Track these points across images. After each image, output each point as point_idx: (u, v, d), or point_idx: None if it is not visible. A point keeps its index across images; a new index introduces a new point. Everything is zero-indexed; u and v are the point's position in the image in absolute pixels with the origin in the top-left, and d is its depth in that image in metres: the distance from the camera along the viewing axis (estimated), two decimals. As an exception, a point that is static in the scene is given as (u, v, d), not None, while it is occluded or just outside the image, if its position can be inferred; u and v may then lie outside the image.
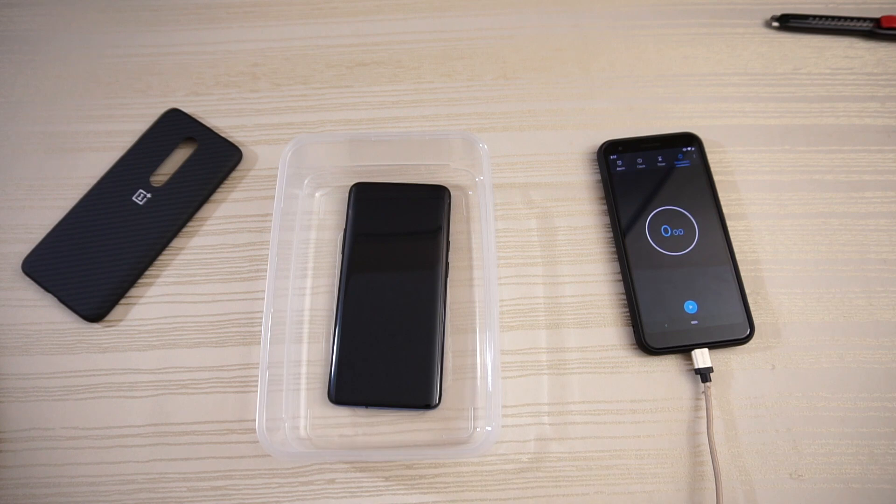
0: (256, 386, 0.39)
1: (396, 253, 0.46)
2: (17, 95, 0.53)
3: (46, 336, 0.45)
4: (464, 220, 0.48)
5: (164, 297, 0.46)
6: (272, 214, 0.43)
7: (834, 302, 0.46)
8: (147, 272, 0.47)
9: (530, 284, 0.46)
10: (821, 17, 0.53)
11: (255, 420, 0.38)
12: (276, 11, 0.56)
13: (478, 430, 0.42)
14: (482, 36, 0.55)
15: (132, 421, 0.43)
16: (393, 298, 0.44)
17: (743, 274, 0.45)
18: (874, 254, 0.47)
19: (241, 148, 0.50)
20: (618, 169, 0.48)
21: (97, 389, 0.44)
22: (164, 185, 0.49)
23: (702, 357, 0.43)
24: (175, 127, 0.51)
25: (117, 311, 0.46)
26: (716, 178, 0.48)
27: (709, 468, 0.41)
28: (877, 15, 0.54)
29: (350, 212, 0.47)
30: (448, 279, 0.46)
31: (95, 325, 0.45)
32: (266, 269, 0.42)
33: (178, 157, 0.50)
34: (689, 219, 0.47)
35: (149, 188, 0.48)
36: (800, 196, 0.49)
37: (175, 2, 0.56)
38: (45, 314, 0.46)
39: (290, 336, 0.44)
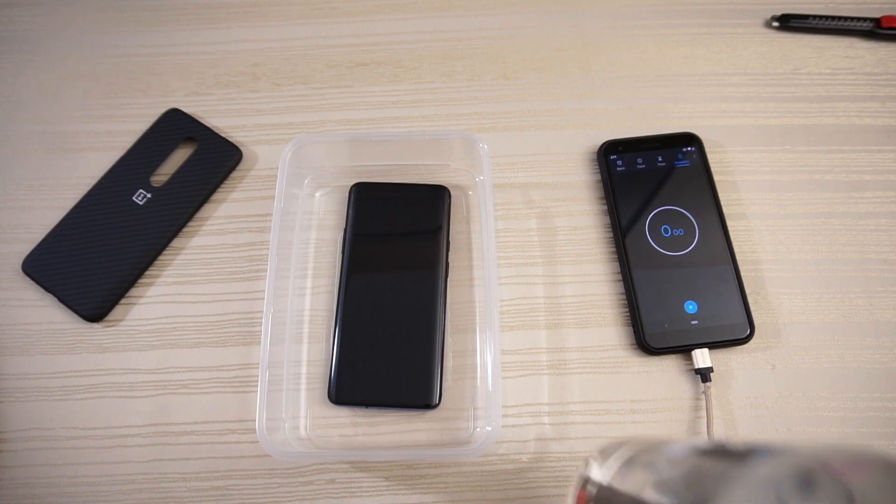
0: (256, 386, 0.39)
1: (396, 253, 0.46)
2: (17, 95, 0.53)
3: (46, 336, 0.45)
4: (464, 220, 0.48)
5: (164, 297, 0.46)
6: (272, 214, 0.43)
7: (834, 302, 0.46)
8: (147, 272, 0.47)
9: (530, 284, 0.46)
10: (821, 17, 0.53)
11: (255, 420, 0.38)
12: (276, 11, 0.56)
13: (478, 430, 0.42)
14: (482, 36, 0.55)
15: (132, 421, 0.43)
16: (393, 298, 0.44)
17: (743, 274, 0.45)
18: (874, 254, 0.47)
19: (241, 148, 0.50)
20: (618, 169, 0.48)
21: (97, 389, 0.44)
22: (164, 185, 0.49)
23: (702, 357, 0.43)
24: (175, 127, 0.51)
25: (117, 311, 0.46)
26: (716, 178, 0.48)
27: (709, 468, 0.41)
28: (877, 15, 0.54)
29: (350, 212, 0.47)
30: (448, 279, 0.46)
31: (95, 325, 0.45)
32: (266, 269, 0.42)
33: (178, 157, 0.50)
34: (689, 219, 0.47)
35: (149, 188, 0.48)
36: (800, 196, 0.49)
37: (175, 2, 0.56)
38: (45, 314, 0.46)
39: (290, 336, 0.44)
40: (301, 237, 0.47)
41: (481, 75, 0.53)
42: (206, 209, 0.49)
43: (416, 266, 0.45)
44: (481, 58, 0.54)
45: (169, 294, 0.46)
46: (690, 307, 0.44)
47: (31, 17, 0.56)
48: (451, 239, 0.47)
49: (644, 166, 0.48)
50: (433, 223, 0.47)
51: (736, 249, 0.46)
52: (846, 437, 0.42)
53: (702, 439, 0.26)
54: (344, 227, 0.47)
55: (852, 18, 0.53)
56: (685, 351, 0.44)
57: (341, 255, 0.46)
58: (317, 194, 0.49)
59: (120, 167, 0.49)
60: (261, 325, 0.41)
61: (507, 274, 0.47)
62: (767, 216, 0.48)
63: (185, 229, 0.48)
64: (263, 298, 0.41)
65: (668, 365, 0.44)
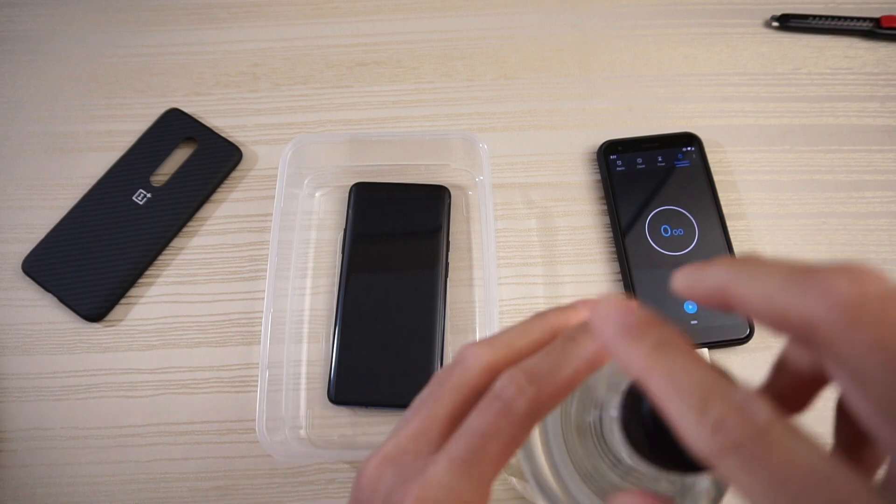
0: (256, 386, 0.39)
1: (396, 253, 0.46)
2: (18, 95, 0.53)
3: (46, 336, 0.45)
4: (464, 220, 0.48)
5: (164, 297, 0.46)
6: (272, 214, 0.43)
7: (834, 302, 0.45)
8: (147, 272, 0.47)
9: (530, 284, 0.46)
10: (821, 16, 0.53)
11: (255, 420, 0.38)
12: (276, 11, 0.56)
13: (478, 430, 0.42)
14: (482, 36, 0.55)
15: (132, 421, 0.43)
16: (393, 298, 0.44)
17: (743, 274, 0.45)
18: (874, 254, 0.47)
19: (241, 148, 0.50)
20: (618, 169, 0.48)
21: (97, 389, 0.44)
22: (165, 184, 0.49)
23: (702, 357, 0.43)
24: (175, 127, 0.51)
25: (117, 311, 0.46)
26: (716, 178, 0.48)
27: (709, 468, 0.41)
28: (877, 15, 0.54)
29: (350, 212, 0.47)
30: (448, 279, 0.46)
31: (95, 325, 0.45)
32: (266, 269, 0.42)
33: (178, 157, 0.50)
34: (689, 219, 0.47)
35: (149, 188, 0.48)
36: (800, 196, 0.49)
37: (175, 2, 0.56)
38: (45, 314, 0.46)
39: (290, 336, 0.44)
40: (301, 237, 0.47)
41: (481, 75, 0.53)
42: (206, 209, 0.49)
43: (416, 266, 0.45)
44: (481, 58, 0.54)
45: (169, 294, 0.46)
46: (690, 307, 0.44)
47: (31, 17, 0.56)
48: (451, 239, 0.47)
49: (644, 166, 0.48)
50: (433, 223, 0.47)
51: (736, 249, 0.46)
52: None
53: None
54: (344, 227, 0.47)
55: (852, 18, 0.53)
56: (685, 351, 0.44)
57: (341, 255, 0.46)
58: (317, 194, 0.49)
59: (120, 167, 0.49)
60: (261, 325, 0.41)
61: (507, 274, 0.47)
62: (767, 216, 0.48)
63: (185, 229, 0.48)
64: (263, 298, 0.41)
65: (668, 365, 0.44)
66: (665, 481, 0.23)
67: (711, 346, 0.43)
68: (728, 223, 0.47)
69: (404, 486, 0.20)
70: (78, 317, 0.45)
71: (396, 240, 0.46)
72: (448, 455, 0.20)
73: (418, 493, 0.19)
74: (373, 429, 0.43)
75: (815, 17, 0.53)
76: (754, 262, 0.17)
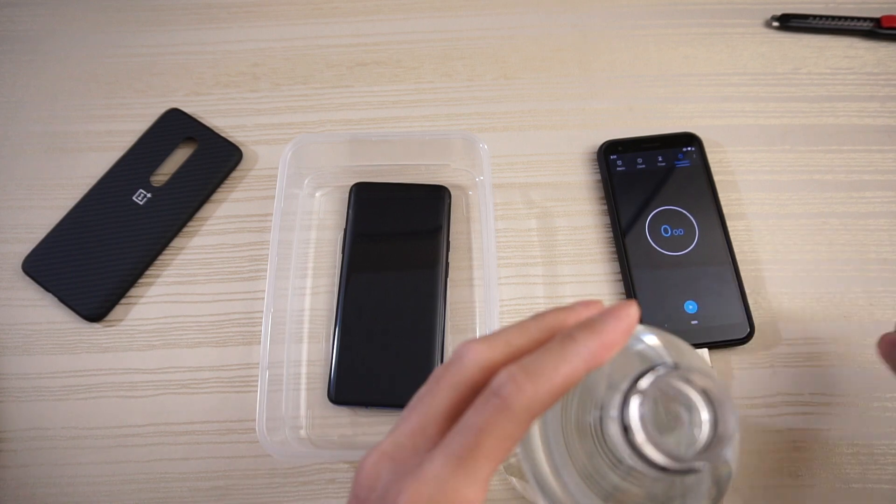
0: (256, 386, 0.39)
1: (396, 253, 0.46)
2: (18, 95, 0.53)
3: (46, 336, 0.45)
4: (464, 220, 0.48)
5: (164, 297, 0.46)
6: (272, 214, 0.43)
7: (834, 302, 0.46)
8: (147, 272, 0.47)
9: (530, 284, 0.46)
10: (821, 16, 0.53)
11: (255, 420, 0.38)
12: (276, 11, 0.56)
13: (478, 430, 0.42)
14: (482, 36, 0.55)
15: (132, 421, 0.43)
16: (393, 298, 0.44)
17: (743, 274, 0.45)
18: (874, 254, 0.47)
19: (241, 148, 0.50)
20: (618, 169, 0.48)
21: (97, 389, 0.44)
22: (165, 184, 0.49)
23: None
24: (175, 127, 0.51)
25: (117, 311, 0.46)
26: (716, 178, 0.48)
27: (709, 468, 0.41)
28: (877, 15, 0.54)
29: (350, 212, 0.47)
30: (448, 279, 0.46)
31: (95, 325, 0.45)
32: (266, 269, 0.42)
33: (178, 156, 0.50)
34: (689, 219, 0.47)
35: (149, 188, 0.48)
36: (800, 196, 0.49)
37: (175, 2, 0.56)
38: (45, 314, 0.46)
39: (290, 336, 0.44)
40: (301, 237, 0.47)
41: (481, 75, 0.53)
42: (206, 209, 0.49)
43: (416, 266, 0.45)
44: (481, 58, 0.54)
45: (169, 294, 0.46)
46: (690, 307, 0.44)
47: (31, 17, 0.56)
48: (451, 239, 0.47)
49: (644, 166, 0.48)
50: (433, 223, 0.47)
51: (736, 249, 0.46)
52: (846, 437, 0.42)
53: None
54: (344, 227, 0.47)
55: (852, 18, 0.53)
56: (685, 351, 0.44)
57: (341, 255, 0.46)
58: (317, 194, 0.49)
59: (120, 167, 0.49)
60: (261, 325, 0.41)
61: (507, 274, 0.47)
62: (767, 216, 0.48)
63: (185, 229, 0.48)
64: (263, 298, 0.41)
65: (668, 365, 0.44)
66: (665, 482, 0.23)
67: (711, 346, 0.43)
68: (728, 223, 0.47)
69: (401, 481, 0.20)
70: (78, 317, 0.45)
71: (396, 240, 0.46)
72: (444, 451, 0.20)
73: (414, 488, 0.19)
74: (373, 429, 0.43)
75: (815, 17, 0.53)
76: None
